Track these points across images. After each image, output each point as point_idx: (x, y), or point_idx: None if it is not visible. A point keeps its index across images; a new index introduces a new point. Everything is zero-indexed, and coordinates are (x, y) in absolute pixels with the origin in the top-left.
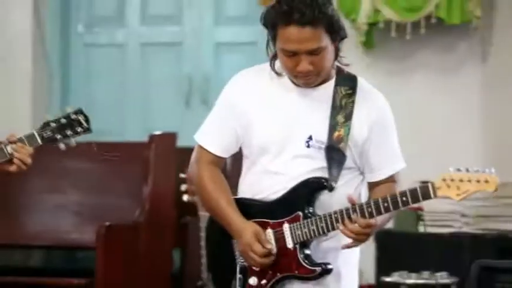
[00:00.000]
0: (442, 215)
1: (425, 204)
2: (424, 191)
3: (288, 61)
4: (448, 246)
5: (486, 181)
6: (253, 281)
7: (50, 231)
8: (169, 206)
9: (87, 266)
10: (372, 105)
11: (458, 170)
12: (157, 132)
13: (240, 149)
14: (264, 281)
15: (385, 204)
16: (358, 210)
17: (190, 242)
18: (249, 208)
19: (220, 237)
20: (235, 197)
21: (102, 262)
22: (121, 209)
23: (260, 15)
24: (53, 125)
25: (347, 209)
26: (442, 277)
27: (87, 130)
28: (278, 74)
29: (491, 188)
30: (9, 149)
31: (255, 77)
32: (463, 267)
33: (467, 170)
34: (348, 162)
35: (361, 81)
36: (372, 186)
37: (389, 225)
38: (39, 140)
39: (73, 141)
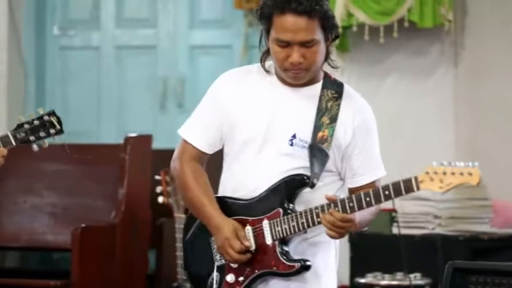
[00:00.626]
0: (415, 217)
1: (398, 206)
2: (407, 185)
3: (280, 52)
4: (421, 247)
5: (470, 174)
6: (230, 278)
7: (25, 233)
8: (144, 208)
9: (62, 267)
10: (357, 111)
11: (442, 164)
12: (133, 135)
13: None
14: (241, 278)
15: (367, 199)
16: (339, 205)
17: (166, 243)
18: (230, 206)
19: (198, 235)
20: (216, 195)
21: (77, 263)
22: (96, 210)
23: (255, 11)
24: (27, 126)
25: (328, 204)
26: (416, 278)
27: (60, 132)
28: (267, 71)
29: (474, 181)
30: None
31: (243, 75)
32: (437, 269)
33: (450, 164)
34: (329, 165)
35: (347, 88)
36: (352, 192)
37: None
38: (13, 141)
39: (46, 142)
